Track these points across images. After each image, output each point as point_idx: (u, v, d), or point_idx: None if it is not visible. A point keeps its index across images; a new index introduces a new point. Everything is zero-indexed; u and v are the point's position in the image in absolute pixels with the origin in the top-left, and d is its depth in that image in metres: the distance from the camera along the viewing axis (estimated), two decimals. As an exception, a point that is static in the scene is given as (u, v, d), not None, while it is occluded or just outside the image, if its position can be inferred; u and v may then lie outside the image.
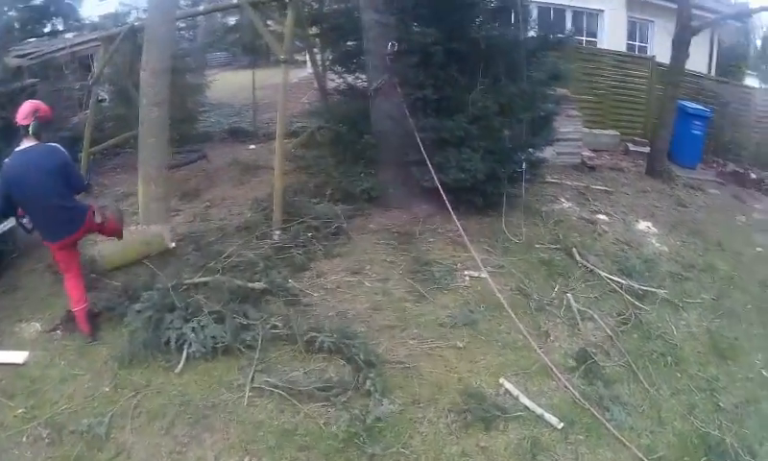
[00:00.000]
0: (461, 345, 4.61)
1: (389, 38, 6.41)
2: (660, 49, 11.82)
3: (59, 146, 4.47)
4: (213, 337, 4.33)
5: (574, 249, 6.20)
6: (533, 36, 7.11)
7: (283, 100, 6.58)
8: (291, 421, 3.79)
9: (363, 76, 7.52)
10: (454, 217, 5.56)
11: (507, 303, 4.87)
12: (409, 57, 6.32)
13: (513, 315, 4.69)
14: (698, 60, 13.12)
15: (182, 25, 14.45)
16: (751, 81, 18.93)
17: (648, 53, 13.60)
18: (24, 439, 3.75)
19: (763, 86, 17.89)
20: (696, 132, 10.96)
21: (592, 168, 9.56)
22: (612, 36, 13.63)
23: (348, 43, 7.87)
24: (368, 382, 4.00)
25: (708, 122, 11.05)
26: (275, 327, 4.56)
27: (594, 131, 11.09)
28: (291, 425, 3.75)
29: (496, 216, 6.59)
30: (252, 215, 6.77)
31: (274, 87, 9.73)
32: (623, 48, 13.54)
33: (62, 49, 10.63)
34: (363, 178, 6.85)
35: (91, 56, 10.76)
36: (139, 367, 4.27)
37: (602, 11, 13.53)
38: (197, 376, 4.18)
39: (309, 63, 10.51)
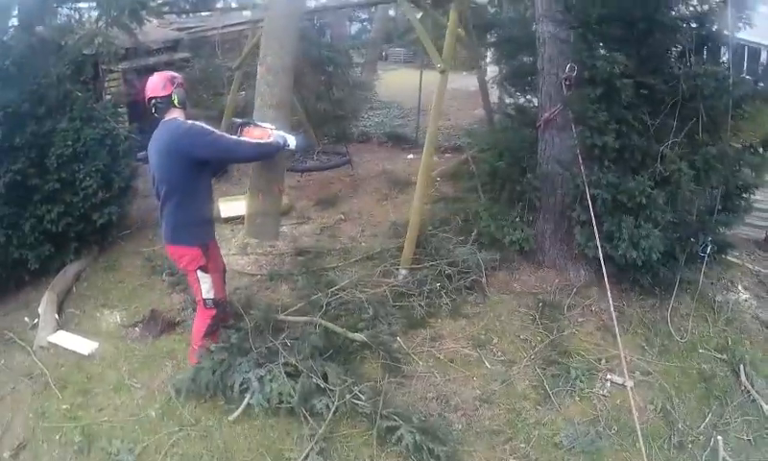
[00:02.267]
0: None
1: (567, 59, 5.26)
2: None
3: (194, 124, 3.84)
4: (280, 393, 3.75)
5: (742, 365, 4.79)
6: (741, 81, 5.57)
7: (435, 115, 5.69)
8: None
9: (535, 100, 6.38)
10: (611, 302, 4.44)
11: (644, 431, 3.82)
12: (589, 87, 5.08)
13: (644, 452, 3.60)
14: None
15: (361, 15, 13.83)
16: None
17: None
18: (57, 437, 3.72)
19: None
20: None
21: None
22: None
23: (523, 59, 6.80)
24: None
25: None
26: (356, 397, 3.82)
27: None
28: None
29: (663, 302, 5.33)
30: (383, 242, 6.07)
31: (451, 93, 8.64)
32: None
33: (217, 29, 10.42)
34: (517, 225, 5.71)
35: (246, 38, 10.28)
36: (195, 400, 3.91)
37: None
38: (250, 430, 3.74)
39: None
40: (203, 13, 14.29)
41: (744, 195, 5.55)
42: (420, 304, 4.87)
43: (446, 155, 8.91)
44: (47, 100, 5.97)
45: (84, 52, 6.88)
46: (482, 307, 5.10)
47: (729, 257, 6.55)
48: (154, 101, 3.83)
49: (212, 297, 3.96)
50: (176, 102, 3.81)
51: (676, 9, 5.31)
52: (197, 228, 3.91)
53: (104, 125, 6.30)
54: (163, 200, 3.82)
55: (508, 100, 7.34)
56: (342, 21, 10.83)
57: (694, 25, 5.31)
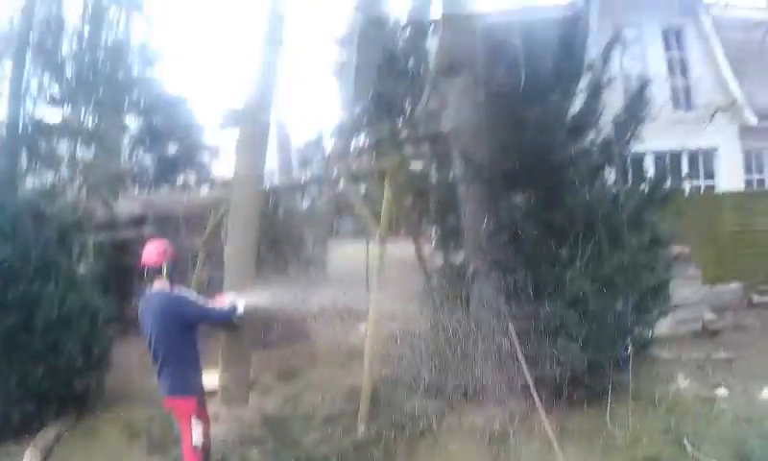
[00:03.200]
0: None
1: (484, 213, 6.19)
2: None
3: (180, 294, 4.60)
4: None
5: (685, 439, 5.38)
6: (639, 193, 6.57)
7: (378, 283, 6.41)
8: None
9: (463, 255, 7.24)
10: (543, 418, 5.16)
11: None
12: (501, 234, 6.05)
13: None
14: None
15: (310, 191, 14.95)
16: None
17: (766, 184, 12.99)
18: None
19: None
20: None
21: (714, 332, 8.79)
22: (729, 174, 13.00)
23: (450, 220, 7.61)
24: None
25: None
26: None
27: (716, 287, 10.21)
28: None
29: (601, 409, 5.88)
30: (343, 405, 6.59)
31: (399, 261, 9.61)
32: (741, 184, 12.96)
33: (180, 205, 11.25)
34: (458, 373, 6.29)
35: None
36: None
37: (716, 148, 12.93)
38: None
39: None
40: (165, 190, 15.51)
41: (656, 296, 6.42)
42: (377, 456, 5.37)
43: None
44: (35, 262, 6.42)
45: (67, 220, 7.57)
46: (435, 450, 5.59)
47: (665, 353, 7.36)
48: (147, 268, 4.50)
49: (201, 444, 4.44)
50: (164, 273, 4.50)
51: (565, 150, 6.19)
52: (191, 379, 4.49)
53: (83, 295, 6.81)
54: (162, 357, 4.39)
55: (443, 259, 8.02)
56: (293, 197, 11.90)
57: (585, 160, 6.30)
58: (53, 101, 12.78)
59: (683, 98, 13.34)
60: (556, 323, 5.66)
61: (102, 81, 13.33)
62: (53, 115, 13.00)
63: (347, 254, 13.26)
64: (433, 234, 8.71)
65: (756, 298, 10.29)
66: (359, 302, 10.87)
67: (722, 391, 6.59)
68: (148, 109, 15.89)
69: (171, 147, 16.69)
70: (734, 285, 10.46)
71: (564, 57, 6.43)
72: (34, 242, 6.55)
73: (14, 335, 6.03)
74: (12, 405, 5.99)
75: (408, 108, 16.73)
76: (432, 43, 13.68)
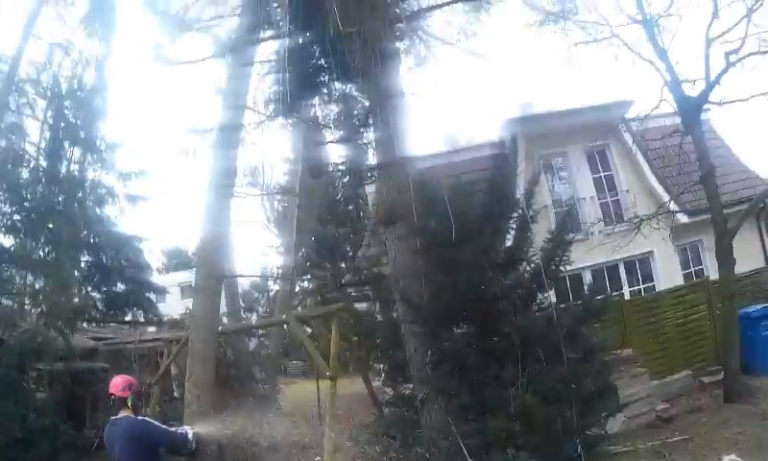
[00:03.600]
0: None
1: (425, 349, 6.75)
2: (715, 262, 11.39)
3: (144, 420, 4.92)
4: None
5: None
6: (572, 310, 7.21)
7: (331, 420, 6.74)
8: None
9: (410, 388, 7.72)
10: None
11: None
12: (445, 364, 6.58)
13: None
14: (753, 251, 13.64)
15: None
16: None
17: (705, 272, 13.72)
18: None
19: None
20: (766, 333, 10.65)
21: (668, 419, 9.29)
22: (666, 274, 13.71)
23: (396, 355, 8.05)
24: None
25: None
26: None
27: (666, 379, 10.79)
28: None
29: None
30: None
31: (349, 398, 9.88)
32: (680, 280, 13.61)
33: (132, 342, 11.60)
34: None
35: (160, 353, 11.38)
36: None
37: (651, 252, 13.69)
38: None
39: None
40: (115, 325, 15.53)
41: (601, 398, 6.82)
42: None
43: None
44: None
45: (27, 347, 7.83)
46: None
47: (621, 446, 7.80)
48: (113, 398, 4.79)
49: None
50: (129, 404, 4.79)
51: (497, 283, 6.75)
52: None
53: (44, 419, 7.13)
54: None
55: (390, 392, 8.50)
56: (242, 339, 12.24)
57: (517, 289, 6.92)
58: (10, 227, 13.07)
59: (613, 212, 14.21)
60: (503, 436, 6.01)
61: (55, 213, 13.80)
62: (8, 243, 13.48)
63: (296, 392, 13.48)
64: (381, 369, 9.06)
65: (705, 380, 10.76)
66: (312, 435, 11.11)
67: None
68: (98, 246, 16.23)
69: (119, 285, 16.95)
70: (683, 373, 10.98)
71: (493, 197, 7.25)
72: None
73: None
74: None
75: (349, 251, 17.57)
76: (369, 189, 14.57)
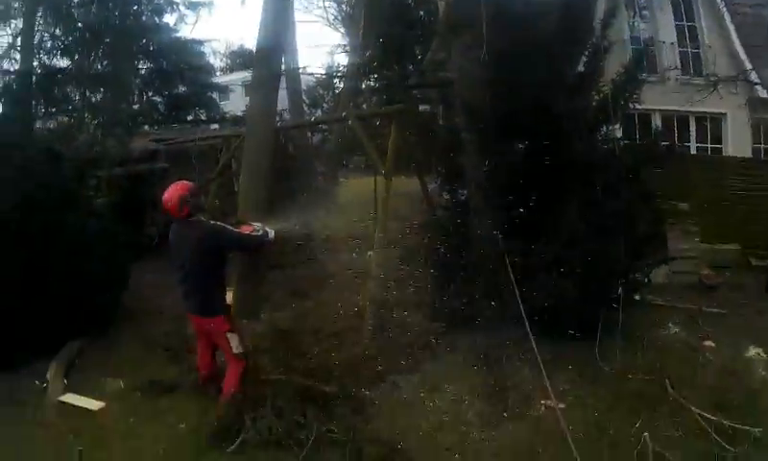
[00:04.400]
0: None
1: (485, 155, 6.67)
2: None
3: (215, 225, 5.19)
4: (269, 428, 4.79)
5: (667, 380, 5.89)
6: (635, 149, 7.29)
7: (383, 216, 7.09)
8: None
9: (465, 193, 7.72)
10: (533, 343, 5.66)
11: (577, 439, 4.83)
12: (500, 175, 6.51)
13: (573, 449, 4.65)
14: None
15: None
16: None
17: None
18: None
19: None
20: None
21: (711, 287, 9.25)
22: (736, 141, 13.48)
23: (454, 161, 7.95)
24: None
25: None
26: (330, 430, 4.90)
27: (715, 246, 10.60)
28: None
29: (591, 342, 6.41)
30: (350, 322, 7.20)
31: (405, 196, 10.16)
32: (748, 152, 13.30)
33: (192, 141, 11.94)
34: (458, 297, 6.95)
35: (220, 149, 11.78)
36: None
37: (724, 114, 13.40)
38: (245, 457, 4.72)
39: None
40: (177, 126, 15.99)
41: (649, 245, 6.92)
42: (380, 366, 6.04)
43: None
44: (55, 193, 7.00)
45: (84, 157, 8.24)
46: (433, 364, 6.24)
47: (660, 299, 7.89)
48: (173, 217, 5.08)
49: (241, 350, 5.16)
50: (193, 213, 5.05)
51: (564, 106, 6.58)
52: (222, 300, 5.20)
53: (102, 222, 7.54)
54: (194, 282, 5.04)
55: (446, 196, 8.51)
56: (303, 134, 12.41)
57: (583, 115, 6.77)
58: (65, 49, 13.32)
59: (692, 64, 13.71)
60: (550, 259, 6.19)
61: (110, 29, 13.93)
62: (64, 63, 13.79)
63: (355, 187, 13.80)
64: (436, 173, 9.13)
65: (753, 260, 10.63)
66: (367, 230, 11.54)
67: (709, 343, 7.09)
68: (157, 53, 16.34)
69: (180, 87, 17.23)
70: (734, 245, 10.82)
71: (569, 18, 6.85)
72: (53, 177, 7.11)
73: (39, 260, 6.55)
74: (37, 325, 6.46)
75: (418, 55, 17.01)
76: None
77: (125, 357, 6.68)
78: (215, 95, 19.13)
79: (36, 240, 6.58)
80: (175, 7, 16.45)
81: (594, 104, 7.02)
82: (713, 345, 7.04)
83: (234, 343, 5.13)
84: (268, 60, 7.19)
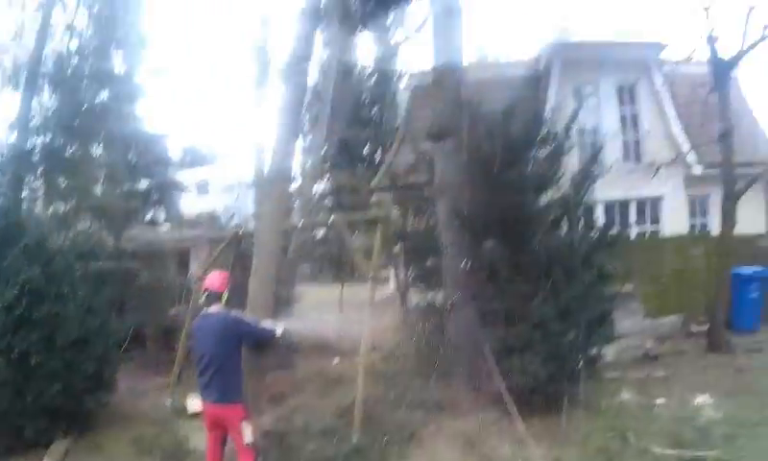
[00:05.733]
0: None
1: (463, 257, 7.92)
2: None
3: (239, 315, 5.84)
4: None
5: (629, 433, 7.09)
6: (589, 239, 8.37)
7: (369, 315, 7.78)
8: None
9: (441, 292, 8.88)
10: (516, 417, 6.86)
11: None
12: (479, 273, 7.76)
13: None
14: (757, 215, 15.06)
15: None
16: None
17: (709, 226, 15.17)
18: None
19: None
20: (753, 295, 12.01)
21: (654, 358, 10.61)
22: (673, 220, 15.10)
23: (429, 262, 9.25)
24: None
25: (764, 282, 12.04)
26: None
27: (658, 320, 12.16)
28: None
29: (559, 414, 7.51)
30: (334, 421, 7.75)
31: (357, 305, 11.35)
32: (685, 228, 14.98)
33: (168, 239, 12.74)
34: (439, 388, 8.04)
35: (189, 251, 12.30)
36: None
37: (662, 196, 15.04)
38: None
39: (392, 281, 11.68)
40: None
41: (602, 323, 8.18)
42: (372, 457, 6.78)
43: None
44: (58, 282, 7.26)
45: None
46: (421, 450, 7.04)
47: (611, 373, 9.15)
48: (208, 292, 5.57)
49: (252, 441, 5.51)
50: (222, 299, 5.60)
51: (532, 205, 8.02)
52: (240, 388, 5.56)
53: (101, 317, 7.77)
54: (215, 370, 5.36)
55: (419, 297, 9.58)
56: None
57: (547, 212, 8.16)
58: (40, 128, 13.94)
59: (633, 151, 15.57)
60: (522, 342, 7.36)
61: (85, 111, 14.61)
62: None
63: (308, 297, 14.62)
64: (410, 274, 10.29)
65: (693, 327, 12.16)
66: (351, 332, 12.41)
67: (661, 400, 8.32)
68: (125, 144, 16.88)
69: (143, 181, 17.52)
70: (674, 317, 12.39)
71: (536, 124, 8.28)
72: (58, 266, 7.50)
73: (36, 352, 6.83)
74: (27, 420, 6.80)
75: (374, 156, 18.04)
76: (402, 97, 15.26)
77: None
78: (177, 194, 19.08)
79: (36, 330, 6.87)
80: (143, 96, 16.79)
81: (556, 201, 8.32)
82: (664, 401, 8.27)
83: (248, 433, 5.42)
84: (280, 178, 7.94)
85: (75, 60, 15.17)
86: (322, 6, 9.25)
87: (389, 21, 20.35)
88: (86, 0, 15.75)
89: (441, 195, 8.44)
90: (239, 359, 5.67)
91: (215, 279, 5.74)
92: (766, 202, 15.91)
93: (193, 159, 29.64)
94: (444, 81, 8.84)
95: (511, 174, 7.67)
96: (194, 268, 14.99)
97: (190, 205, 21.54)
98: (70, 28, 15.32)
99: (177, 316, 11.38)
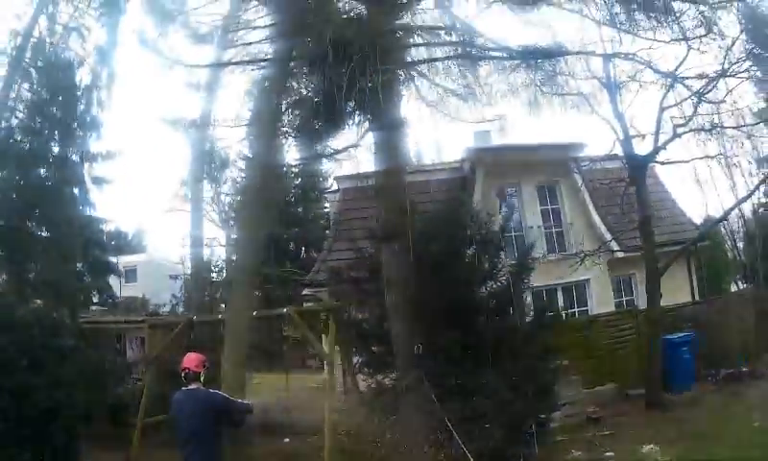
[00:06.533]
0: None
1: (415, 342, 8.80)
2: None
3: (217, 392, 6.22)
4: None
5: None
6: (529, 321, 9.57)
7: (330, 397, 8.66)
8: None
9: (391, 375, 9.61)
10: None
11: None
12: (433, 355, 8.68)
13: None
14: (682, 286, 16.86)
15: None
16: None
17: (635, 301, 16.95)
18: None
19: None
20: (685, 356, 13.42)
21: (597, 419, 11.78)
22: (600, 300, 16.61)
23: (374, 349, 10.03)
24: None
25: (693, 344, 13.56)
26: None
27: (595, 389, 13.37)
28: None
29: None
30: None
31: (294, 390, 11.93)
32: (612, 306, 16.52)
33: (117, 323, 12.92)
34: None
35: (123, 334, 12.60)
36: None
37: (588, 280, 16.40)
38: None
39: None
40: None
41: (547, 393, 9.20)
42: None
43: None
44: (29, 356, 7.59)
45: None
46: None
47: (560, 436, 10.20)
48: (187, 372, 5.86)
49: None
50: (201, 378, 5.91)
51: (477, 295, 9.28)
52: (220, 459, 5.90)
53: (68, 391, 8.07)
54: (196, 442, 5.64)
55: (368, 381, 10.15)
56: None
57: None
58: None
59: (556, 242, 17.08)
60: (478, 412, 8.21)
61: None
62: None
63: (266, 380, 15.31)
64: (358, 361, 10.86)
65: (630, 392, 13.39)
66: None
67: (609, 453, 9.42)
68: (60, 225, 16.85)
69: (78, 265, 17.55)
70: (610, 385, 13.66)
71: (466, 222, 9.58)
72: (27, 338, 7.82)
73: (5, 421, 7.10)
74: None
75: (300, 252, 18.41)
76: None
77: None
78: (112, 279, 19.97)
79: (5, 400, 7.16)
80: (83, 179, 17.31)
81: (497, 290, 9.53)
82: (612, 454, 9.34)
83: None
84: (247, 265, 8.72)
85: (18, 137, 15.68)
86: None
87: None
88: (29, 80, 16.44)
89: (390, 288, 9.17)
90: (219, 436, 5.98)
91: (192, 360, 6.04)
92: (689, 272, 17.66)
93: (124, 245, 29.72)
94: (389, 187, 9.79)
95: (455, 269, 8.87)
96: (130, 351, 15.30)
97: (117, 289, 21.99)
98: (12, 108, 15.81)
99: (120, 395, 11.90)
